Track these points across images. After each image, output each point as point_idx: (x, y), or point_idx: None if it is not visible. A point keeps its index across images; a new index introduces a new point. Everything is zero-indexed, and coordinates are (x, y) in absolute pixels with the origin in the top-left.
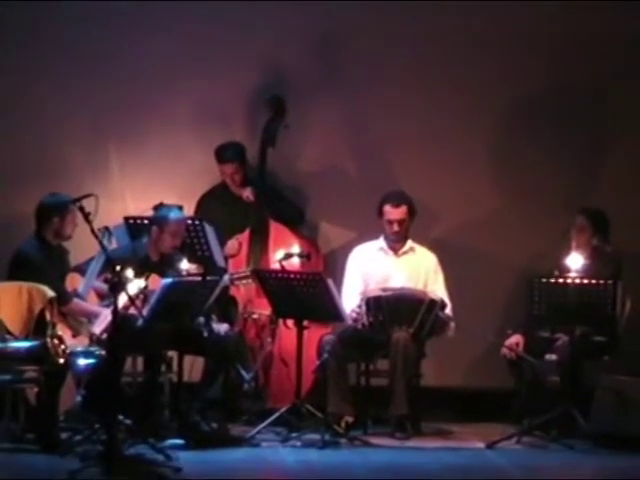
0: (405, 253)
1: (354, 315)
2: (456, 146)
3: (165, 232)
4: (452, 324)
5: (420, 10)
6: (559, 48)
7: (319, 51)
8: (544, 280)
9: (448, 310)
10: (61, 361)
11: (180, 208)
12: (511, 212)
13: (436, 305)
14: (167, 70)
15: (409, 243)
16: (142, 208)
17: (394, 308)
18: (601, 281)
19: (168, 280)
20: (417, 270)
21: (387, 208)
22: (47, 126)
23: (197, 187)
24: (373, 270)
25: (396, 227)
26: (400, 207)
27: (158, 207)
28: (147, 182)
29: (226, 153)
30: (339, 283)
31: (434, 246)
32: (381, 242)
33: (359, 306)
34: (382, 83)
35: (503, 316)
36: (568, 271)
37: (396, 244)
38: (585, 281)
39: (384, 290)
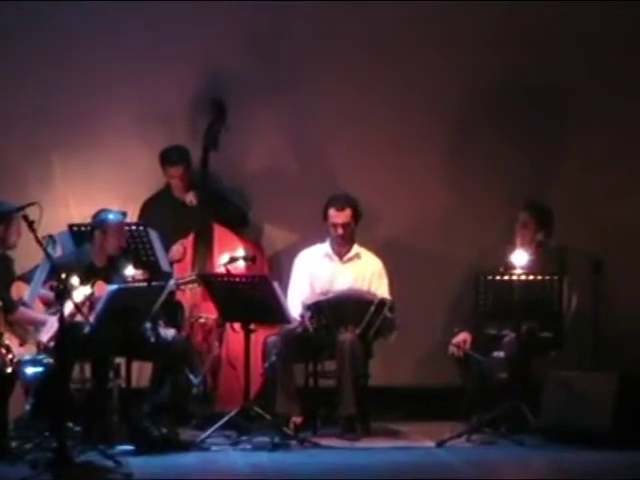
0: (350, 259)
1: (298, 323)
2: (404, 146)
3: (108, 234)
4: (396, 327)
5: (368, 7)
6: (510, 46)
7: (260, 52)
8: (489, 277)
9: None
10: (9, 370)
11: (124, 214)
12: (458, 210)
13: (385, 305)
14: (109, 74)
15: (355, 248)
16: (85, 214)
17: (339, 310)
18: (546, 277)
19: (114, 286)
20: (362, 275)
21: (331, 212)
22: None
23: (140, 192)
24: (318, 275)
25: (340, 230)
26: (344, 210)
27: (98, 212)
28: (90, 188)
29: (172, 155)
30: (284, 285)
31: (382, 246)
32: (327, 247)
33: (301, 315)
34: (326, 83)
35: (450, 314)
36: (513, 268)
37: (342, 248)
38: (530, 277)
39: (328, 293)
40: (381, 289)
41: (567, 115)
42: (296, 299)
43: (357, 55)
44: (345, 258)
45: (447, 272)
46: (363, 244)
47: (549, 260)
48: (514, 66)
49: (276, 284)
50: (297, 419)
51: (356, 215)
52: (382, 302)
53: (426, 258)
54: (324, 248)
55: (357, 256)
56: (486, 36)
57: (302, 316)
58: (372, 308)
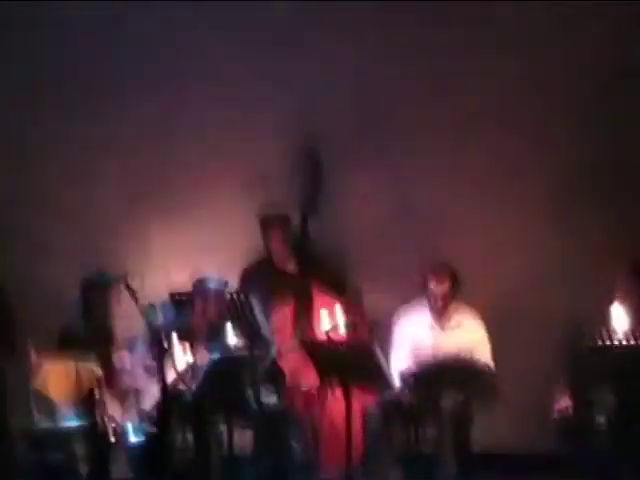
0: (452, 328)
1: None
2: (507, 204)
3: (208, 302)
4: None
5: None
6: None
7: (360, 112)
8: (589, 340)
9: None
10: (112, 440)
11: (225, 282)
12: (558, 269)
13: (490, 373)
14: (208, 137)
15: (455, 314)
16: (187, 281)
17: (445, 376)
18: None
19: (216, 355)
20: (465, 342)
21: (431, 282)
22: (92, 200)
23: (240, 258)
24: (420, 343)
25: (440, 302)
26: (443, 283)
27: (199, 281)
28: (190, 254)
29: (274, 219)
30: (386, 348)
31: (479, 307)
32: (427, 315)
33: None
34: (428, 146)
35: (550, 377)
36: (615, 329)
37: (441, 316)
38: (632, 341)
39: (435, 358)
40: (485, 356)
41: None
42: (398, 364)
43: (462, 116)
44: (446, 327)
45: (546, 334)
46: (462, 303)
47: None
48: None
49: (378, 349)
50: None
51: (455, 284)
52: (488, 370)
53: (526, 320)
54: (424, 316)
55: (458, 324)
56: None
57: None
58: (482, 375)
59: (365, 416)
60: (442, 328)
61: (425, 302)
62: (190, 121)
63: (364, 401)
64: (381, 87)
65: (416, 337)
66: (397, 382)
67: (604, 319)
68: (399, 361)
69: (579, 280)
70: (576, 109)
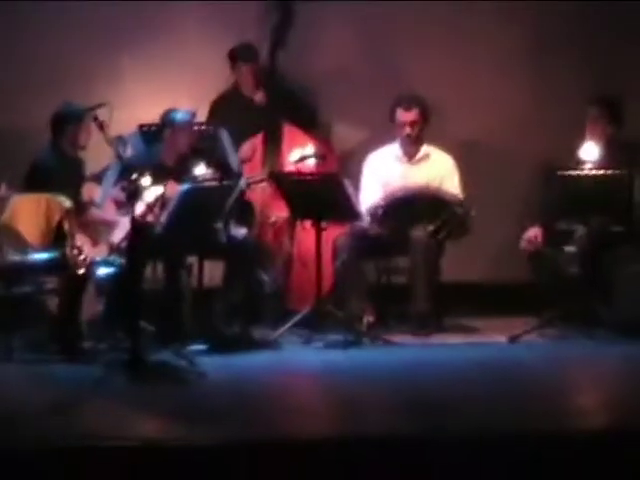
0: (421, 160)
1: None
2: (478, 43)
3: (177, 133)
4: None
5: None
6: None
7: None
8: (559, 172)
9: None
10: (81, 271)
11: (193, 113)
12: (530, 108)
13: (461, 205)
14: None
15: (424, 149)
16: (154, 115)
17: (412, 207)
18: (616, 171)
19: (185, 186)
20: (433, 174)
21: (399, 111)
22: (61, 35)
23: (209, 92)
24: (389, 178)
25: (408, 129)
26: (412, 110)
27: (167, 112)
28: (158, 88)
29: (244, 52)
30: (354, 184)
31: (452, 144)
32: (396, 149)
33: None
34: None
35: (522, 210)
36: (583, 162)
37: (410, 148)
38: (600, 171)
39: (404, 189)
40: (453, 186)
41: None
42: (368, 202)
43: None
44: (415, 159)
45: (518, 168)
46: (432, 142)
47: (620, 154)
48: None
49: (347, 181)
50: (369, 317)
51: (424, 115)
52: (459, 201)
53: (497, 155)
54: (393, 150)
55: (427, 156)
56: None
57: (372, 222)
58: (452, 206)
59: (334, 247)
60: (410, 161)
61: (394, 142)
62: None
63: (334, 233)
64: None
65: (385, 172)
66: (366, 216)
67: (574, 152)
68: (368, 196)
69: (551, 112)
70: None
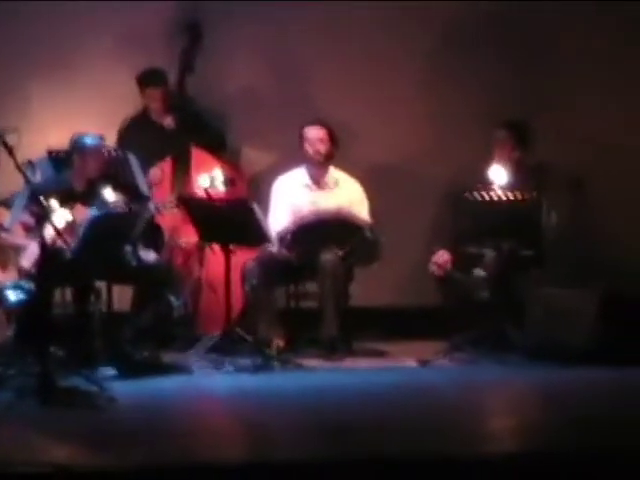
0: (329, 186)
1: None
2: (383, 65)
3: (86, 158)
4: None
5: None
6: None
7: None
8: (467, 195)
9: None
10: None
11: (101, 138)
12: (436, 131)
13: (371, 230)
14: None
15: (332, 174)
16: (64, 140)
17: (322, 232)
18: (525, 195)
19: (95, 212)
20: (342, 201)
21: (307, 130)
22: None
23: (118, 116)
24: (299, 204)
25: (318, 145)
26: (321, 129)
27: (76, 137)
28: (67, 113)
29: (151, 77)
30: (264, 207)
31: (360, 169)
32: (303, 174)
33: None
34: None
35: (430, 234)
36: (491, 184)
37: (318, 171)
38: (510, 195)
39: (315, 213)
40: (363, 213)
41: (546, 32)
42: (277, 226)
43: None
44: (323, 185)
45: (425, 192)
46: (340, 167)
47: (528, 177)
48: None
49: (256, 206)
50: (279, 341)
51: (332, 137)
52: (369, 226)
53: (405, 179)
54: (300, 176)
55: (336, 183)
56: None
57: (281, 246)
58: (362, 231)
59: (243, 272)
60: (319, 187)
61: (302, 168)
62: None
63: (243, 257)
64: None
65: (294, 199)
66: (275, 241)
67: (482, 176)
68: (277, 220)
69: (458, 135)
70: None
